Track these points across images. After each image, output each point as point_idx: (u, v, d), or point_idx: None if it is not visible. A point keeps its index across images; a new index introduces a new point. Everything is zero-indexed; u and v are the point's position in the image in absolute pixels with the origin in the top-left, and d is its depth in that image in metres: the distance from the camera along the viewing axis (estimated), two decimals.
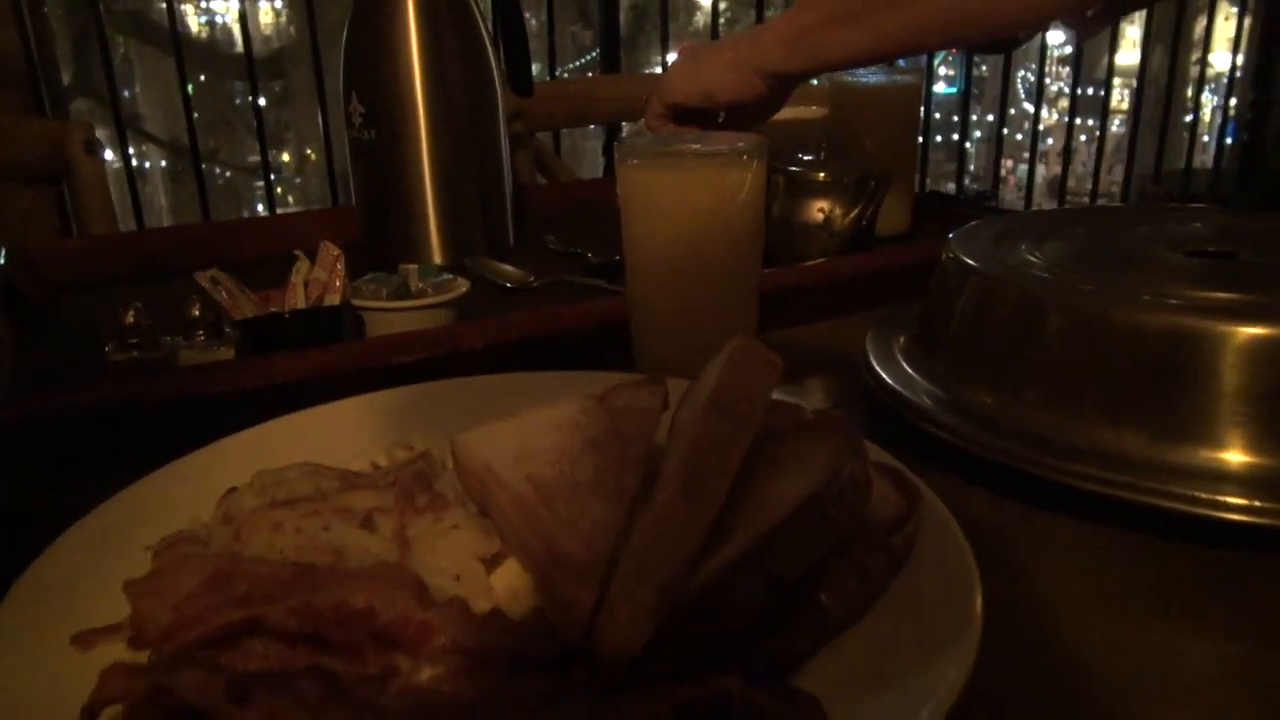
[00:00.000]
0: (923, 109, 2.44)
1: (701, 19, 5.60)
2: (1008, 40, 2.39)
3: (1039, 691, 0.39)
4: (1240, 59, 3.42)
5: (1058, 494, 0.50)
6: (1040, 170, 4.44)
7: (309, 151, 4.77)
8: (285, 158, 5.30)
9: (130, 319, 0.60)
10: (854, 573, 0.40)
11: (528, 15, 1.08)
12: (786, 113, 1.06)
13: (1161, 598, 0.45)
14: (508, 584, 0.42)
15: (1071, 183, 3.55)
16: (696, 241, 0.59)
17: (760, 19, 2.27)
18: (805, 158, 0.93)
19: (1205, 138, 3.64)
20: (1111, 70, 2.91)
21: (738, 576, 0.38)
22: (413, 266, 0.72)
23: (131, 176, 2.08)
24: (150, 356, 0.60)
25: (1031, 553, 0.49)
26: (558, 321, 0.68)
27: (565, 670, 0.37)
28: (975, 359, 0.60)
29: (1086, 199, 2.99)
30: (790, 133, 0.99)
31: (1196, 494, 0.48)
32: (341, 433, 0.55)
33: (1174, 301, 0.52)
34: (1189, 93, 3.11)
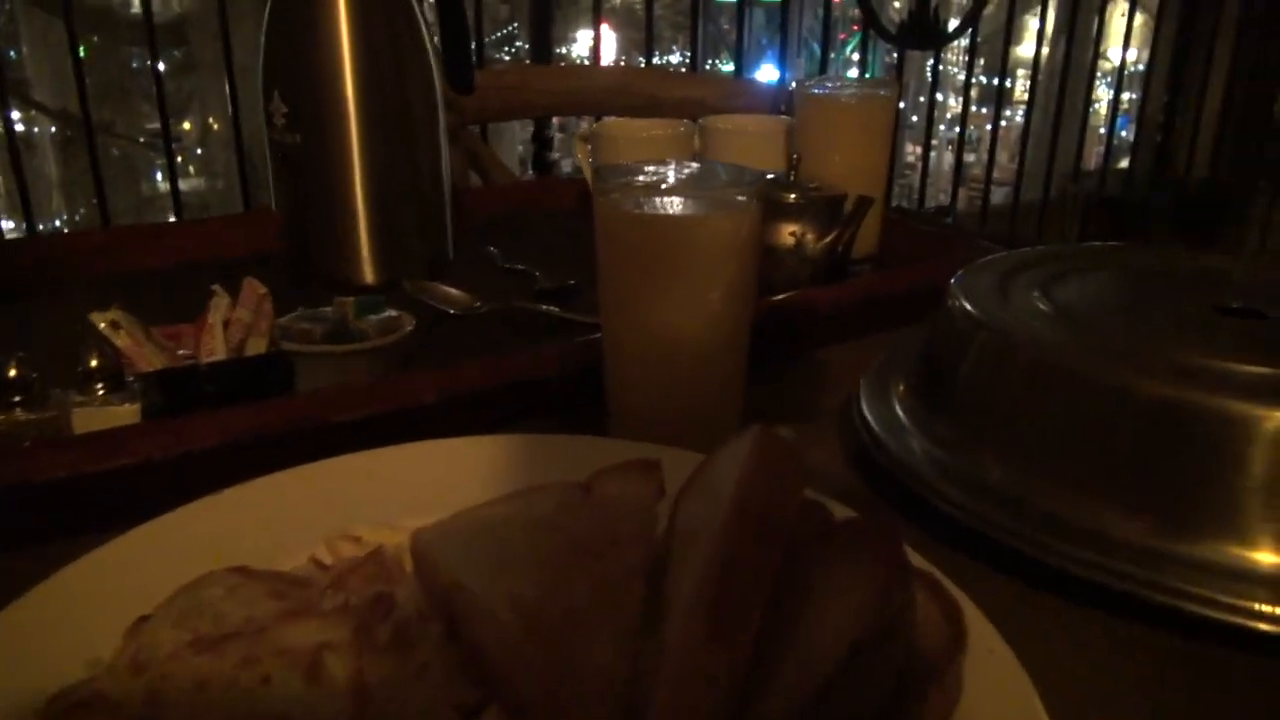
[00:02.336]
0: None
1: None
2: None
3: None
4: (1141, 55, 3.50)
5: (1072, 583, 0.45)
6: (947, 158, 4.50)
7: (212, 121, 4.52)
8: (186, 126, 5.03)
9: (12, 371, 0.50)
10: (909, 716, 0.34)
11: None
12: (750, 124, 1.00)
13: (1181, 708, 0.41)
14: None
15: (978, 171, 3.59)
16: (686, 290, 0.52)
17: None
18: (771, 175, 0.87)
19: (1123, 133, 3.71)
20: (1005, 69, 2.92)
21: None
22: (349, 300, 0.63)
23: (14, 146, 1.89)
24: (36, 417, 0.50)
25: (1036, 645, 0.43)
26: (520, 369, 0.61)
27: None
28: (984, 426, 0.55)
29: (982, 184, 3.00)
30: (756, 147, 0.92)
31: (1223, 598, 0.43)
32: (273, 518, 0.47)
33: (1201, 374, 0.47)
34: (1084, 87, 3.14)
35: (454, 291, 0.81)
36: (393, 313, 0.64)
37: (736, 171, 0.53)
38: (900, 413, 0.59)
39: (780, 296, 0.75)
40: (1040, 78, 3.02)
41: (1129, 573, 0.45)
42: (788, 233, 0.82)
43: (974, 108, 4.19)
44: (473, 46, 1.85)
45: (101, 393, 0.52)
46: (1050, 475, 0.50)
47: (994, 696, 0.36)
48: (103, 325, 0.54)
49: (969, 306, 0.57)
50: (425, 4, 0.88)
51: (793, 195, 0.82)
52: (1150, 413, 0.47)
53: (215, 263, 0.94)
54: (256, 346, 0.56)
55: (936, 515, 0.51)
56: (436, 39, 0.91)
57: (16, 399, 0.50)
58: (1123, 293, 0.60)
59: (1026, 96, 3.19)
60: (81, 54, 1.79)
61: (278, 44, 0.83)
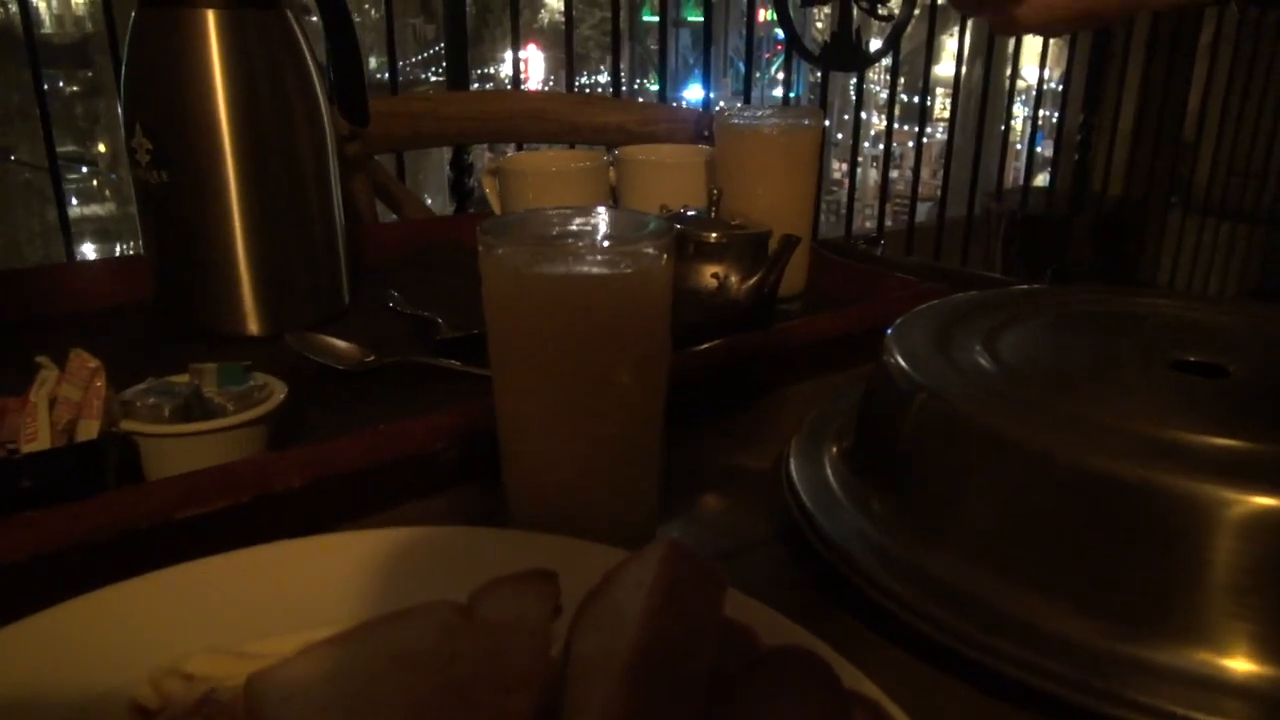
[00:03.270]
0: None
1: (547, 16, 5.44)
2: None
3: None
4: (1055, 74, 3.57)
5: (1027, 694, 0.39)
6: (873, 174, 4.54)
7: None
8: (101, 148, 4.82)
9: None
10: None
11: (366, 6, 0.91)
12: (668, 155, 0.94)
13: None
14: None
15: (901, 187, 3.61)
16: (587, 359, 0.45)
17: (614, 16, 2.15)
18: (690, 212, 0.81)
19: (1039, 148, 3.76)
20: (927, 86, 2.94)
21: None
22: (208, 366, 0.55)
23: None
24: None
25: None
26: (399, 444, 0.53)
27: None
28: (924, 504, 0.49)
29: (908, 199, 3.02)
30: (672, 180, 0.86)
31: (1191, 714, 0.37)
32: (87, 651, 0.38)
33: (1161, 447, 0.42)
34: (1004, 106, 3.19)
35: (341, 344, 0.73)
36: (259, 381, 0.56)
37: (642, 220, 0.47)
38: (834, 483, 0.53)
39: (703, 346, 0.68)
40: (960, 96, 3.04)
41: (1090, 684, 0.39)
42: (709, 274, 0.76)
43: (897, 125, 4.23)
44: (384, 73, 1.77)
45: None
46: (999, 566, 0.44)
47: None
48: None
49: (906, 366, 0.51)
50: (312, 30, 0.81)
51: (714, 234, 0.76)
52: (1109, 494, 0.42)
53: (73, 317, 0.84)
54: (88, 430, 0.48)
55: (875, 607, 0.45)
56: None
57: None
58: (1072, 346, 0.55)
59: (948, 114, 3.21)
60: None
61: (139, 72, 0.75)
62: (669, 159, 0.90)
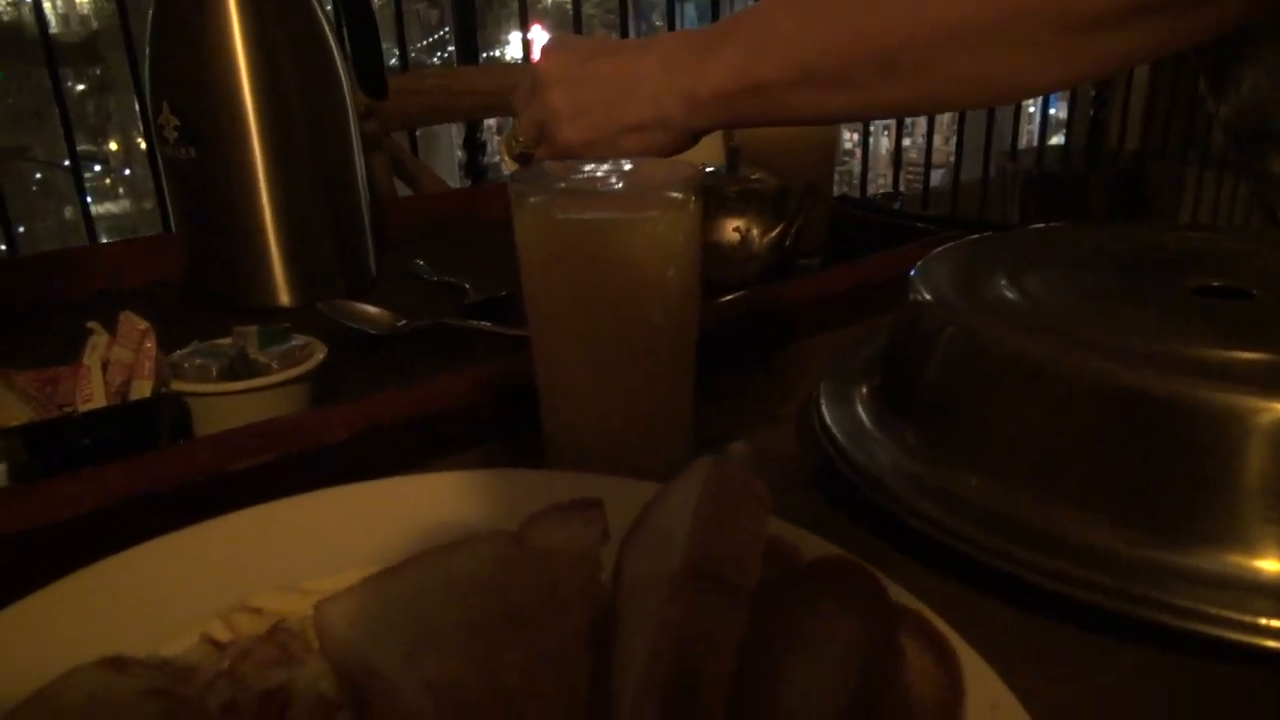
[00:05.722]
0: None
1: None
2: None
3: None
4: None
5: (1064, 604, 0.41)
6: (885, 143, 4.50)
7: (139, 140, 4.36)
8: (113, 146, 4.84)
9: None
10: None
11: None
12: None
13: None
14: None
15: (914, 154, 3.59)
16: (620, 303, 0.46)
17: None
18: (710, 169, 0.82)
19: (1053, 110, 3.73)
20: None
21: None
22: (250, 329, 0.57)
23: None
24: None
25: (1023, 666, 0.39)
26: (440, 398, 0.54)
27: None
28: (958, 432, 0.50)
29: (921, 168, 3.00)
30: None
31: (1225, 613, 0.38)
32: (158, 591, 0.40)
33: (1189, 363, 0.43)
34: None
35: (374, 310, 0.74)
36: (300, 341, 0.57)
37: (672, 167, 0.48)
38: (865, 419, 0.54)
39: (727, 298, 0.69)
40: None
41: (1125, 590, 0.40)
42: (731, 229, 0.77)
43: None
44: (396, 53, 1.77)
45: None
46: (1032, 484, 0.45)
47: None
48: None
49: (933, 300, 0.52)
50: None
51: (735, 189, 0.77)
52: (1139, 410, 0.43)
53: (109, 295, 0.86)
54: (141, 390, 0.49)
55: (911, 534, 0.46)
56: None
57: None
58: (1095, 279, 0.56)
59: None
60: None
61: (165, 51, 0.76)
62: None
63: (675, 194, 0.45)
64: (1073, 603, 0.40)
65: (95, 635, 0.37)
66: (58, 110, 1.77)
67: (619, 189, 0.47)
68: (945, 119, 3.96)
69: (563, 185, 0.47)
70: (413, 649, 0.32)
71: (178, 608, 0.40)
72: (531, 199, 0.46)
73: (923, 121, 3.15)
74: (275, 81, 0.78)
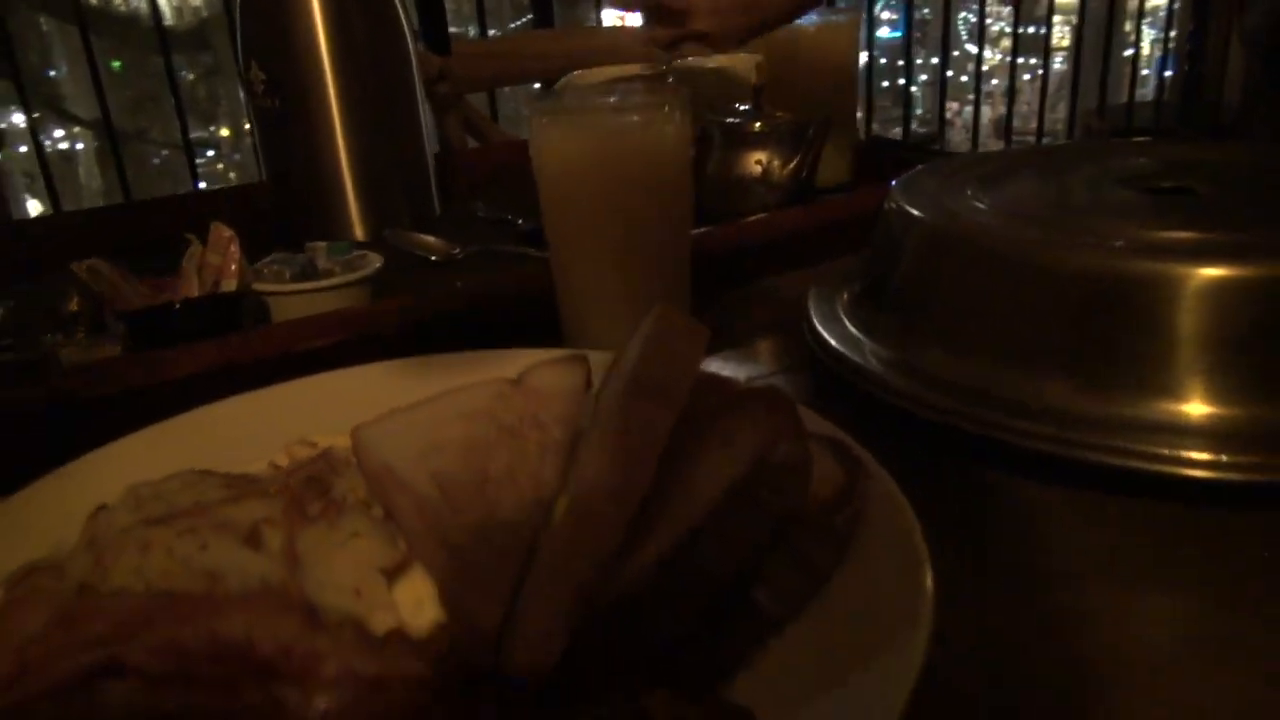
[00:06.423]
0: (865, 53, 2.41)
1: None
2: None
3: (1006, 673, 0.36)
4: None
5: (1014, 456, 0.47)
6: (986, 111, 4.41)
7: (247, 124, 4.60)
8: (225, 132, 5.11)
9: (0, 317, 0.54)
10: (793, 564, 0.36)
11: None
12: (721, 61, 1.01)
13: (1123, 560, 0.42)
14: (413, 596, 0.37)
15: (1017, 122, 3.53)
16: (617, 202, 0.54)
17: None
18: (742, 108, 0.89)
19: (1145, 71, 3.62)
20: (1052, 8, 2.89)
21: (662, 576, 0.34)
22: (320, 244, 0.67)
23: (43, 159, 1.98)
24: (26, 358, 0.54)
25: (987, 520, 0.45)
26: (478, 296, 0.63)
27: (475, 694, 0.33)
28: (922, 314, 0.56)
29: (1032, 138, 2.97)
30: (725, 82, 0.94)
31: (1159, 450, 0.44)
32: (237, 433, 0.50)
33: (1128, 243, 0.49)
34: (1128, 27, 3.09)
35: (433, 239, 0.84)
36: (360, 253, 0.67)
37: (661, 90, 0.55)
38: (843, 313, 0.61)
39: (746, 220, 0.77)
40: (1055, 19, 2.96)
41: (1067, 438, 0.46)
42: (754, 161, 0.83)
43: (988, 53, 4.10)
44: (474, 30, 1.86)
45: (83, 335, 0.56)
46: (987, 356, 0.52)
47: (882, 537, 0.38)
48: (82, 273, 0.58)
49: (905, 206, 0.59)
50: None
51: (758, 125, 0.83)
52: (1081, 283, 0.49)
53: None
54: (227, 286, 0.60)
55: (885, 409, 0.52)
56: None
57: (6, 342, 0.55)
58: (1058, 186, 0.61)
59: (1054, 41, 3.13)
60: (116, 66, 1.86)
61: (252, 13, 0.87)
62: (719, 62, 0.98)
63: (661, 107, 0.53)
64: (1024, 453, 0.46)
65: (188, 462, 0.47)
66: (171, 97, 1.94)
67: (615, 105, 0.55)
68: (1056, 84, 3.86)
69: (568, 102, 0.55)
70: (422, 453, 0.41)
71: (251, 446, 0.50)
72: (543, 119, 0.54)
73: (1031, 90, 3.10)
74: (349, 40, 0.88)
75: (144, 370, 0.54)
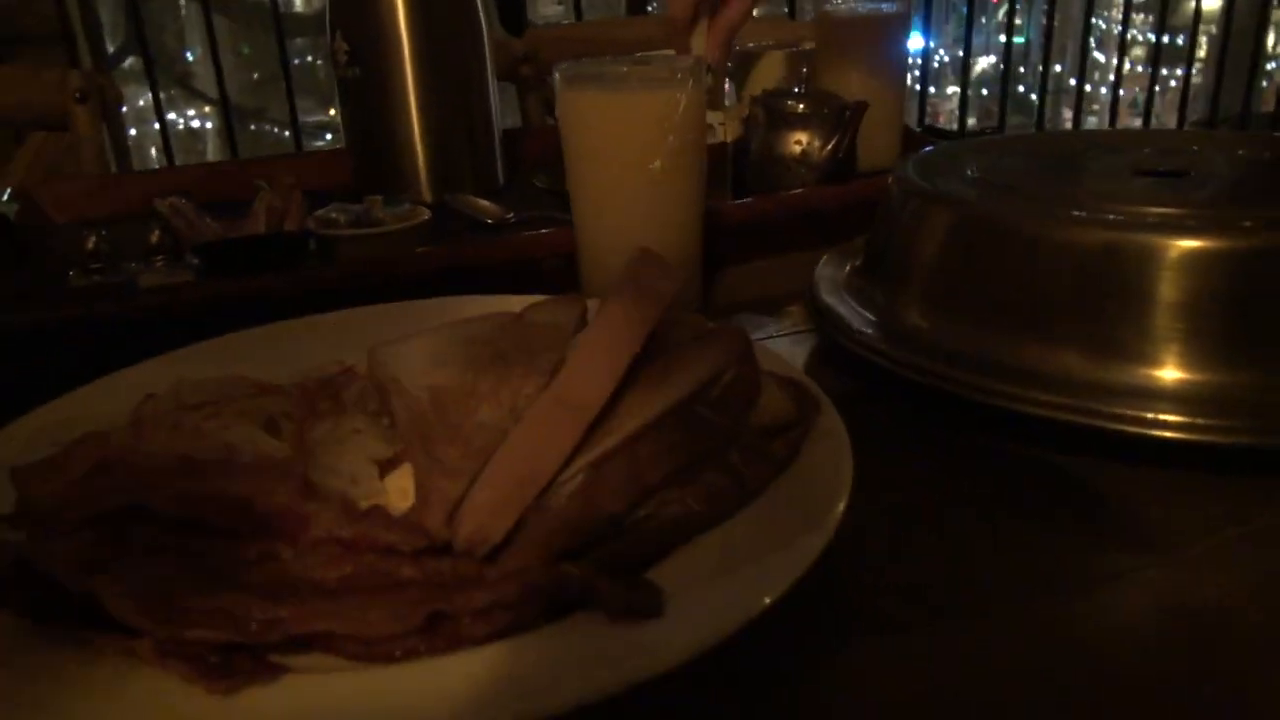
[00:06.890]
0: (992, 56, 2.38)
1: None
2: None
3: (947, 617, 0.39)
4: None
5: (989, 418, 0.50)
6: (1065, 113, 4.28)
7: None
8: (331, 112, 5.32)
9: (91, 246, 0.63)
10: (725, 474, 0.40)
11: None
12: (774, 45, 1.05)
13: (1081, 516, 0.45)
14: (400, 487, 0.43)
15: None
16: (632, 164, 0.59)
17: None
18: (795, 91, 0.92)
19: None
20: (1198, 17, 2.79)
21: (602, 475, 0.38)
22: (378, 197, 0.74)
23: (166, 134, 2.14)
24: (110, 281, 0.62)
25: (958, 478, 0.48)
26: (511, 249, 0.69)
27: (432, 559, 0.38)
28: (912, 282, 0.59)
29: None
30: (777, 66, 0.98)
31: (1126, 412, 0.47)
32: (278, 352, 0.57)
33: (1107, 216, 0.51)
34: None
35: (489, 204, 0.90)
36: (410, 205, 0.74)
37: (675, 61, 0.60)
38: (844, 281, 0.65)
39: (782, 194, 0.80)
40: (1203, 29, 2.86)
41: (1045, 400, 0.48)
42: (794, 141, 0.87)
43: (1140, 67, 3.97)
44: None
45: (161, 263, 0.63)
46: (970, 320, 0.55)
47: (819, 465, 0.42)
48: (163, 208, 0.65)
49: (905, 180, 0.62)
50: None
51: (799, 107, 0.87)
52: (1056, 252, 0.51)
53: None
54: (289, 225, 0.67)
55: (879, 372, 0.55)
56: None
57: (96, 266, 0.63)
58: (1054, 165, 0.63)
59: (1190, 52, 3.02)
60: (245, 52, 2.01)
61: None
62: (772, 48, 1.01)
63: (675, 75, 0.57)
64: (1003, 414, 0.49)
65: (232, 371, 0.54)
66: (311, 77, 2.08)
67: (633, 72, 0.60)
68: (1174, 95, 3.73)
69: (592, 69, 0.60)
70: (425, 370, 0.47)
71: (292, 364, 0.56)
72: (567, 90, 0.60)
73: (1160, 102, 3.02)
74: (426, 15, 0.95)
75: (211, 293, 0.62)
